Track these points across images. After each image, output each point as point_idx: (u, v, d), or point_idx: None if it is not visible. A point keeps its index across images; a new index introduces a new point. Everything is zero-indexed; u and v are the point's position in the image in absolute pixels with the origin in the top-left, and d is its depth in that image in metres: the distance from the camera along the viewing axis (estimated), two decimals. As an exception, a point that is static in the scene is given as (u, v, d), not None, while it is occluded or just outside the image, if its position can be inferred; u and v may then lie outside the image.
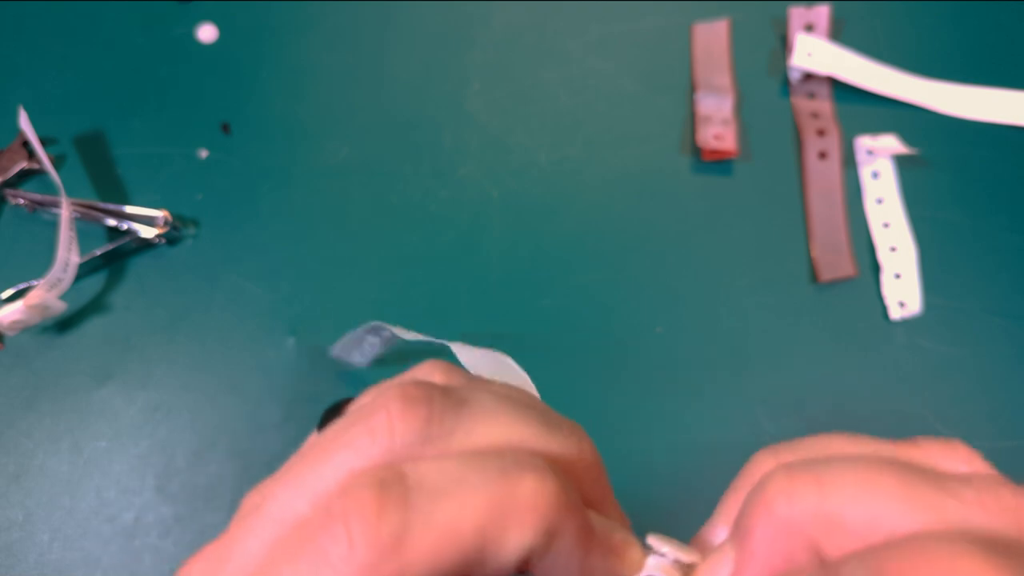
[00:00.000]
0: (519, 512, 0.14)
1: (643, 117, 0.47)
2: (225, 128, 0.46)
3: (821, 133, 0.46)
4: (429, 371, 0.18)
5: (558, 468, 0.15)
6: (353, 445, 0.15)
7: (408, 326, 0.42)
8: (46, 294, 0.40)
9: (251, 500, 0.17)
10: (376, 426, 0.15)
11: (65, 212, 0.42)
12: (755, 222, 0.45)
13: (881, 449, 0.16)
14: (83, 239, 0.43)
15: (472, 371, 0.26)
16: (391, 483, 0.14)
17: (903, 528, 0.14)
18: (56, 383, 0.42)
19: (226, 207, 0.45)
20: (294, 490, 0.15)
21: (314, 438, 0.18)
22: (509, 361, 0.26)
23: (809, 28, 0.48)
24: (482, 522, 0.14)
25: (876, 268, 0.44)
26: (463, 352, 0.27)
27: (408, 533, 0.13)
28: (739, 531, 0.15)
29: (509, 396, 0.17)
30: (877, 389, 0.41)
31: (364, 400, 0.17)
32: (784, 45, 0.49)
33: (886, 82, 0.47)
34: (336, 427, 0.16)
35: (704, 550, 0.17)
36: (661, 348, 0.42)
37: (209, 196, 0.45)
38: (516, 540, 0.14)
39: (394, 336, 0.36)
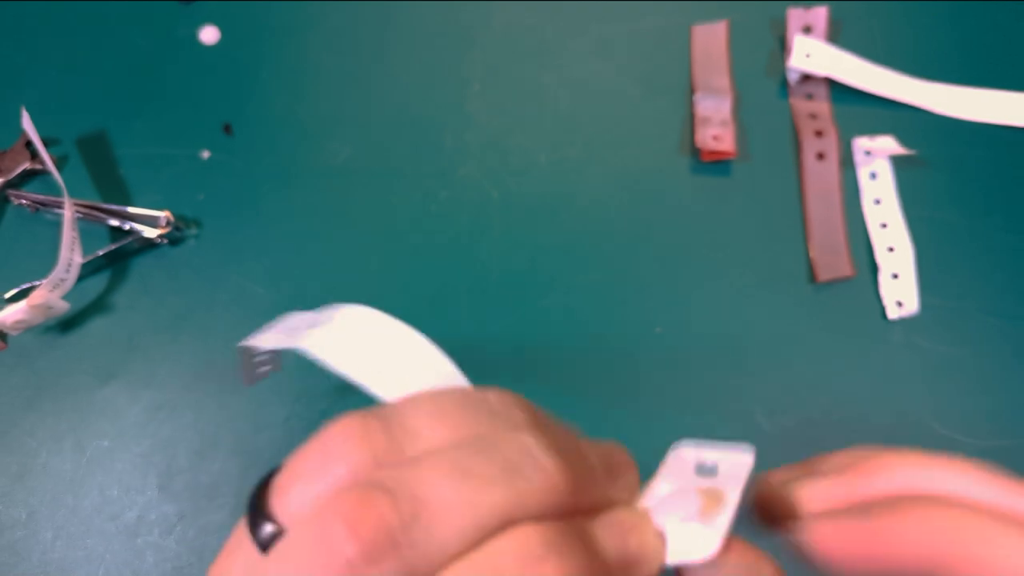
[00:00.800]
0: None
1: (642, 118, 0.47)
2: (227, 129, 0.47)
3: (819, 134, 0.46)
4: (356, 450, 0.16)
5: (546, 523, 0.15)
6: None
7: (410, 324, 0.43)
8: (49, 294, 0.41)
9: None
10: (334, 565, 0.14)
11: (68, 212, 0.42)
12: (754, 222, 0.45)
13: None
14: (86, 239, 0.43)
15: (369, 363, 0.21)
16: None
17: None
18: (59, 382, 0.42)
19: (228, 207, 0.45)
20: None
21: (242, 538, 0.16)
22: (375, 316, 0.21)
23: (807, 30, 0.48)
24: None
25: (874, 268, 0.44)
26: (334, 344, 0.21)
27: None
28: (852, 478, 0.18)
29: (458, 461, 0.16)
30: (875, 388, 0.42)
31: (295, 500, 0.16)
32: (782, 46, 0.49)
33: (884, 83, 0.47)
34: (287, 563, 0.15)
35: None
36: (660, 348, 0.43)
37: (211, 196, 0.45)
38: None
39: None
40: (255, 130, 0.47)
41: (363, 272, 0.44)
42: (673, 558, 0.17)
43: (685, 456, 0.19)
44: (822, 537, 0.17)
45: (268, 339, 0.25)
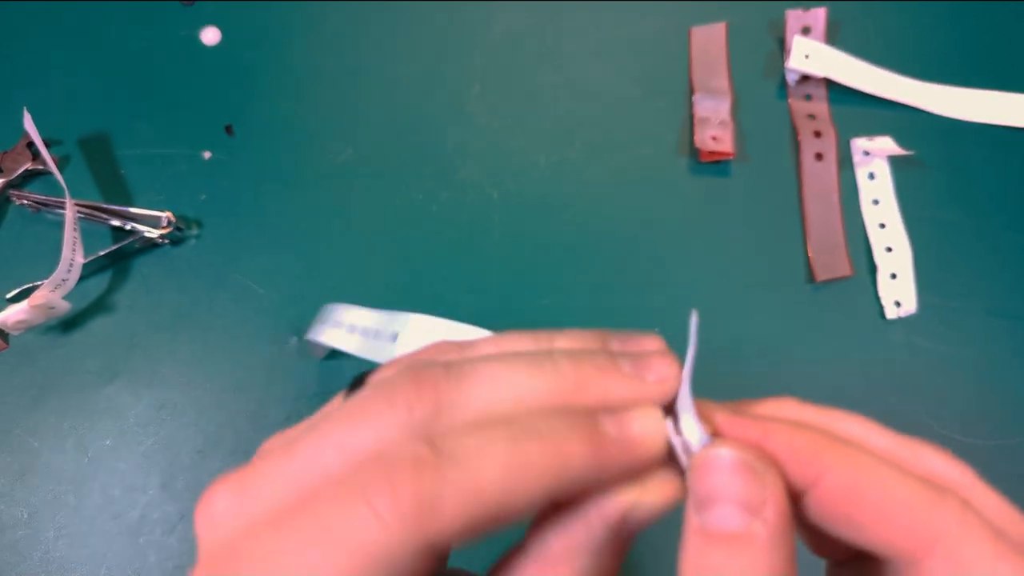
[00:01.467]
0: (533, 476, 0.16)
1: (641, 119, 0.47)
2: (228, 130, 0.47)
3: (818, 134, 0.47)
4: (436, 352, 0.20)
5: (558, 413, 0.17)
6: (377, 416, 0.17)
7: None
8: (50, 294, 0.41)
9: (272, 443, 0.18)
10: (396, 401, 0.17)
11: (69, 213, 0.42)
12: (752, 222, 0.45)
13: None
14: (87, 240, 0.43)
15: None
16: (428, 458, 0.16)
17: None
18: (61, 382, 0.42)
19: (229, 208, 0.45)
20: (323, 445, 0.17)
21: (338, 402, 0.19)
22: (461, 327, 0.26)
23: (806, 30, 0.48)
24: (503, 487, 0.16)
25: (872, 268, 0.44)
26: (421, 326, 0.27)
27: (442, 497, 0.15)
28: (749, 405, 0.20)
29: (501, 356, 0.19)
30: (873, 387, 0.42)
31: (384, 375, 0.19)
32: (781, 47, 0.49)
33: (882, 84, 0.47)
34: (360, 397, 0.18)
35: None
36: (660, 347, 0.43)
37: (212, 197, 0.45)
38: (533, 498, 0.16)
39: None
40: (256, 131, 0.47)
41: (364, 272, 0.44)
42: (681, 445, 0.18)
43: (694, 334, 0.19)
44: (721, 421, 0.18)
45: (346, 343, 0.31)
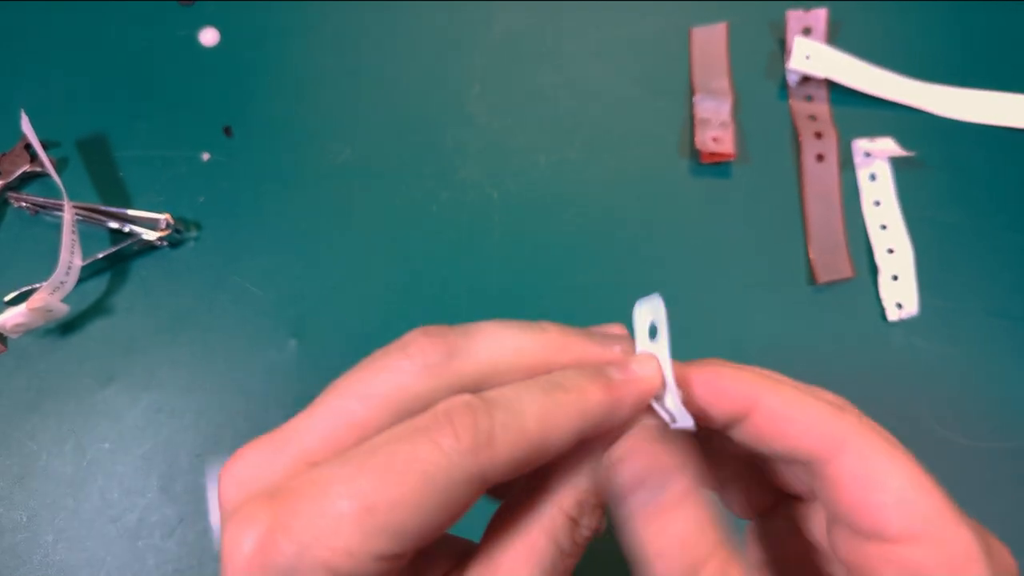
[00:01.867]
0: (565, 418, 0.19)
1: (642, 120, 0.47)
2: (227, 131, 0.47)
3: (819, 135, 0.46)
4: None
5: (574, 368, 0.20)
6: (394, 364, 0.19)
7: (409, 326, 0.43)
8: (49, 297, 0.41)
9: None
10: (411, 351, 0.19)
11: (67, 215, 0.42)
12: (753, 224, 0.45)
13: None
14: (86, 242, 0.43)
15: None
16: (478, 403, 0.18)
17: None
18: (60, 385, 0.42)
19: (228, 210, 0.45)
20: (346, 394, 0.19)
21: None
22: None
23: (807, 31, 0.48)
24: (542, 428, 0.18)
25: (874, 269, 0.44)
26: None
27: (494, 435, 0.18)
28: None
29: (497, 321, 0.21)
30: (874, 390, 0.42)
31: (394, 343, 0.21)
32: (782, 48, 0.49)
33: (883, 85, 0.47)
34: (377, 353, 0.20)
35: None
36: (660, 349, 0.43)
37: (211, 199, 0.45)
38: (565, 437, 0.19)
39: None
40: (255, 132, 0.47)
41: (363, 273, 0.44)
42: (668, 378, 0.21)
43: (640, 320, 0.22)
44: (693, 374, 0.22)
45: None
